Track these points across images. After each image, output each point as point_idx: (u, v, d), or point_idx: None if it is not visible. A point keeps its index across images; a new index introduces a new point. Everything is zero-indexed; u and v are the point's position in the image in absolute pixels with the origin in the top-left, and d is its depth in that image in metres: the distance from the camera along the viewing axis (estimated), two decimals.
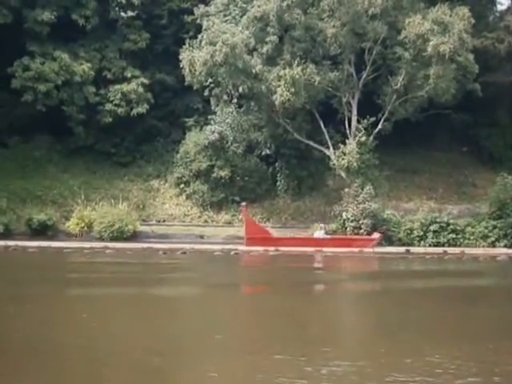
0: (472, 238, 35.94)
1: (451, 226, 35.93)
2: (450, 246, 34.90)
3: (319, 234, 34.43)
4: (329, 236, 34.26)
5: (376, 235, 33.82)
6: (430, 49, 34.33)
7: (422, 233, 35.71)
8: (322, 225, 35.01)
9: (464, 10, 35.19)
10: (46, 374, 9.42)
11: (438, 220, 35.97)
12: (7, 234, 35.29)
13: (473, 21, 35.40)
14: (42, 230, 36.30)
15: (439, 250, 33.49)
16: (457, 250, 33.43)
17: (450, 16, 34.85)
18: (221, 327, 13.07)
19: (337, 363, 9.98)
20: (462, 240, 35.82)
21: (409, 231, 35.77)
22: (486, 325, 13.81)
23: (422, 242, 35.44)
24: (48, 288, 18.11)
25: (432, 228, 35.71)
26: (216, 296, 16.60)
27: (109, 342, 11.58)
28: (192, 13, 40.68)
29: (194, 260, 29.13)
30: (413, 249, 33.29)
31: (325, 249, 32.04)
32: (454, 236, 35.82)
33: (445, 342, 11.57)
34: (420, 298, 17.64)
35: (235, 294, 18.03)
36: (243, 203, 35.19)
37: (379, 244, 33.92)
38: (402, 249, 33.06)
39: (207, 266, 26.89)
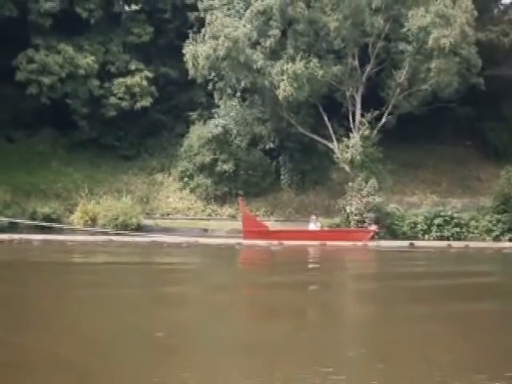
0: (476, 231, 35.92)
1: (455, 220, 35.90)
2: (454, 239, 34.86)
3: (313, 225, 34.50)
4: (325, 228, 34.40)
5: (372, 227, 33.84)
6: (431, 42, 34.25)
7: (425, 226, 35.70)
8: (313, 216, 35.07)
9: (467, 3, 34.98)
10: None
11: (441, 214, 35.96)
12: (12, 227, 35.40)
13: (476, 14, 35.25)
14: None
15: (443, 243, 33.41)
16: (461, 243, 33.36)
17: (453, 9, 34.72)
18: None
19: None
20: (466, 234, 35.79)
21: (413, 225, 35.77)
22: None
23: (426, 236, 35.45)
24: None
25: (436, 222, 35.70)
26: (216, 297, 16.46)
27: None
28: (195, 8, 40.67)
29: (196, 253, 29.13)
30: (417, 242, 33.20)
31: (329, 242, 31.97)
32: (458, 230, 35.80)
33: None
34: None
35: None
36: (240, 196, 35.28)
37: (384, 237, 33.96)
38: (406, 242, 32.95)
39: (209, 261, 26.80)
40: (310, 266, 25.40)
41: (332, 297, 16.34)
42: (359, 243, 32.31)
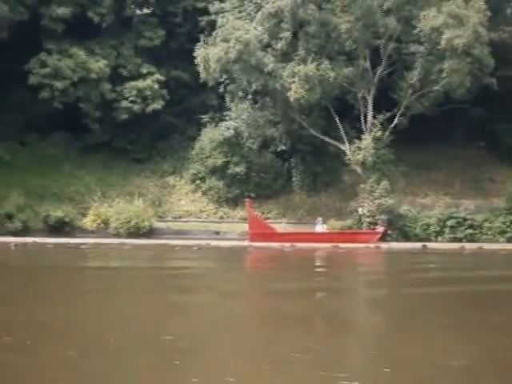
0: (489, 233, 35.73)
1: (468, 222, 35.76)
2: (467, 241, 34.67)
3: (320, 227, 34.46)
4: (331, 230, 34.37)
5: (380, 229, 33.74)
6: (443, 42, 34.12)
7: (438, 228, 35.58)
8: (319, 218, 35.09)
9: (480, 3, 34.80)
10: None
11: (454, 215, 35.83)
12: (25, 231, 35.60)
13: (489, 14, 35.09)
14: (59, 227, 36.55)
15: (456, 245, 33.24)
16: (474, 245, 33.15)
17: (466, 9, 34.57)
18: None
19: None
20: (479, 235, 35.61)
21: (425, 227, 35.66)
22: None
23: (439, 238, 35.29)
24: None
25: (449, 223, 35.57)
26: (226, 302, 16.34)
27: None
28: (206, 12, 40.68)
29: (208, 256, 29.11)
30: (430, 244, 33.02)
31: (342, 244, 31.87)
32: (472, 231, 35.65)
33: None
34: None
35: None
36: (247, 198, 35.35)
37: (396, 239, 33.87)
38: (419, 244, 32.76)
39: (221, 265, 26.64)
40: (322, 269, 25.12)
41: (342, 304, 16.09)
42: (371, 245, 32.22)
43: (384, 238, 33.78)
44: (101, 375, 9.04)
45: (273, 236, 33.39)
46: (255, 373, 9.34)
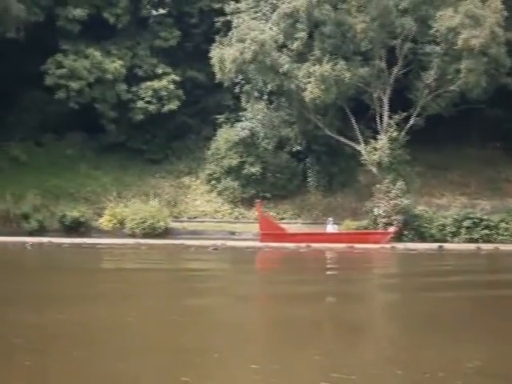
0: (506, 234, 35.53)
1: (484, 222, 35.56)
2: (483, 241, 34.48)
3: (331, 227, 34.40)
4: (342, 230, 34.36)
5: (391, 229, 33.64)
6: (460, 42, 33.99)
7: (454, 229, 35.40)
8: (330, 218, 35.02)
9: (496, 3, 34.66)
10: None
11: (471, 216, 35.64)
12: (41, 231, 35.77)
13: (506, 14, 34.93)
14: (75, 227, 36.69)
15: (473, 246, 33.03)
16: (491, 246, 32.95)
17: (482, 9, 34.43)
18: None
19: None
20: (495, 236, 35.41)
21: (441, 227, 35.50)
22: None
23: (455, 238, 35.12)
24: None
25: (465, 224, 35.38)
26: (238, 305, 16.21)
27: None
28: (222, 12, 40.71)
29: (223, 257, 29.08)
30: (446, 245, 32.81)
31: (357, 245, 31.76)
32: (488, 232, 35.44)
33: None
34: None
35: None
36: (258, 199, 35.41)
37: (412, 240, 33.76)
38: (435, 245, 32.58)
39: (236, 267, 26.49)
40: (337, 272, 24.61)
41: (357, 307, 15.92)
42: (387, 246, 32.11)
43: (395, 238, 33.66)
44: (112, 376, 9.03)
45: (283, 236, 33.35)
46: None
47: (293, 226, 36.63)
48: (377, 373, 9.52)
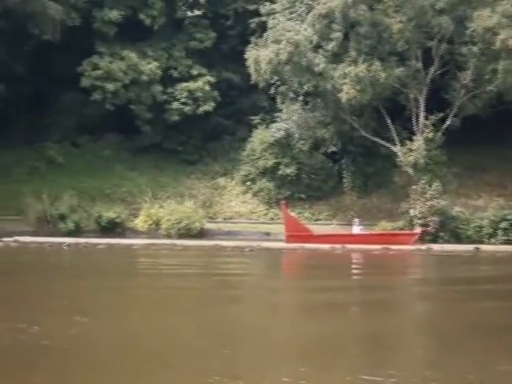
0: None
1: None
2: None
3: (357, 228, 34.19)
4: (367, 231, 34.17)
5: (418, 230, 33.32)
6: (498, 43, 33.63)
7: (491, 230, 35.00)
8: (356, 219, 34.79)
9: None
10: None
11: (508, 217, 35.19)
12: (77, 231, 36.08)
13: None
14: (111, 228, 36.91)
15: (510, 247, 32.54)
16: None
17: None
18: None
19: None
20: None
21: (478, 229, 35.12)
22: None
23: (492, 240, 34.74)
24: None
25: (502, 225, 34.94)
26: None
27: None
28: (257, 14, 40.72)
29: (259, 260, 28.99)
30: (482, 246, 32.42)
31: (393, 246, 31.50)
32: None
33: None
34: None
35: None
36: (283, 201, 35.34)
37: (448, 241, 33.45)
38: (471, 247, 32.12)
39: (272, 272, 26.28)
40: (373, 276, 24.26)
41: (393, 315, 15.69)
42: (423, 247, 31.86)
43: (432, 239, 33.37)
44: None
45: (308, 238, 33.19)
46: None
47: (327, 228, 36.51)
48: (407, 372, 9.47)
